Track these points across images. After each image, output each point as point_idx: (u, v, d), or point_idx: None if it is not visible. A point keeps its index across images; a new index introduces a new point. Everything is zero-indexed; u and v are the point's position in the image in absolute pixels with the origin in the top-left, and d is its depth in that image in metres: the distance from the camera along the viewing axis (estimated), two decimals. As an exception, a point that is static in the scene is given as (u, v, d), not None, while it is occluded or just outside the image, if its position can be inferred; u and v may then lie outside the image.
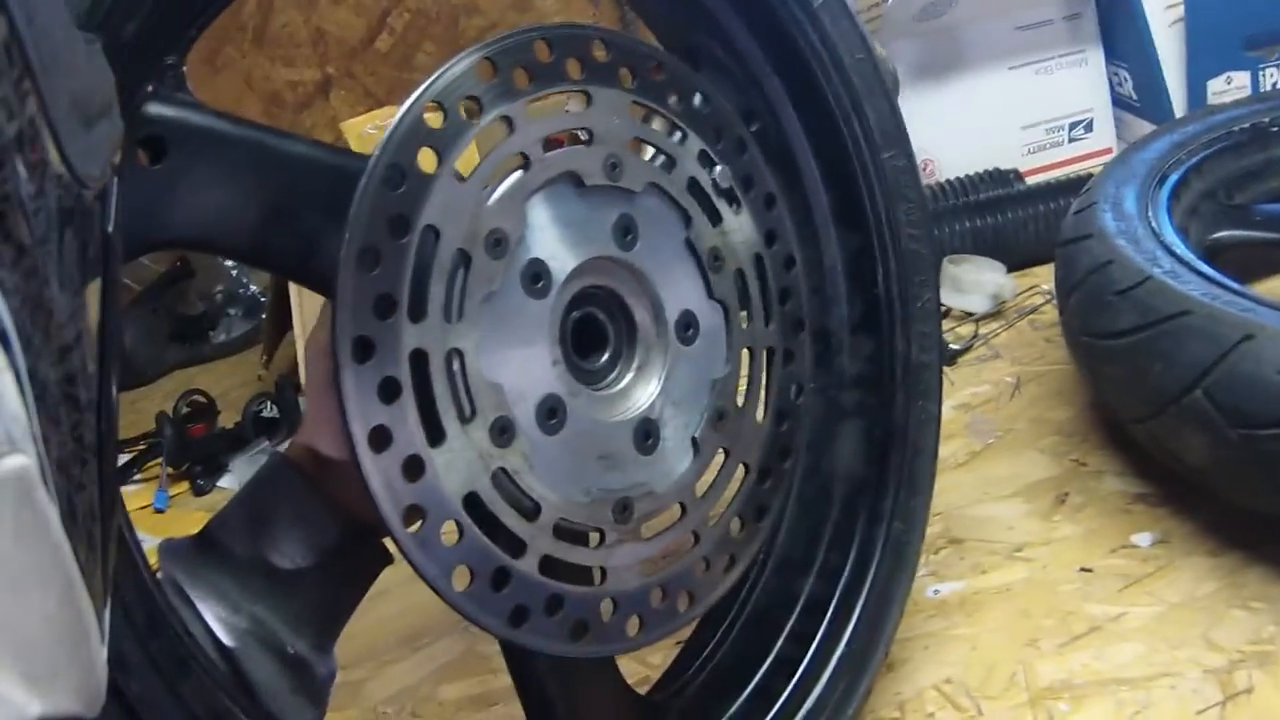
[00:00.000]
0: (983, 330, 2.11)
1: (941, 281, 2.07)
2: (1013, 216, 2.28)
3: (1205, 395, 1.34)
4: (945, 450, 1.70)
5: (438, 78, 0.93)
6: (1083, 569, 1.48)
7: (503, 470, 0.94)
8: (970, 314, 2.15)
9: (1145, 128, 2.51)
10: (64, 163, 0.56)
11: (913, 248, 1.35)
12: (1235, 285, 1.44)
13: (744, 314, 1.13)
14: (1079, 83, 2.64)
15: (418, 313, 0.90)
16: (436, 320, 0.91)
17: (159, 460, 2.22)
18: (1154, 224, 1.63)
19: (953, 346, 2.03)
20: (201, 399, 2.33)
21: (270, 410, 2.22)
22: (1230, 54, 2.51)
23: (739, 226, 1.13)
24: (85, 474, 0.58)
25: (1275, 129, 1.95)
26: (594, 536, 1.01)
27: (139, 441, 2.32)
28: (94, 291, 0.61)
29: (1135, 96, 2.62)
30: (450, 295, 0.92)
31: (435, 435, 0.90)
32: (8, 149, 0.49)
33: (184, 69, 0.93)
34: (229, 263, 2.86)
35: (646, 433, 1.05)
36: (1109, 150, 2.65)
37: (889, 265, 1.35)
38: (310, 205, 0.92)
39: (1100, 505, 1.59)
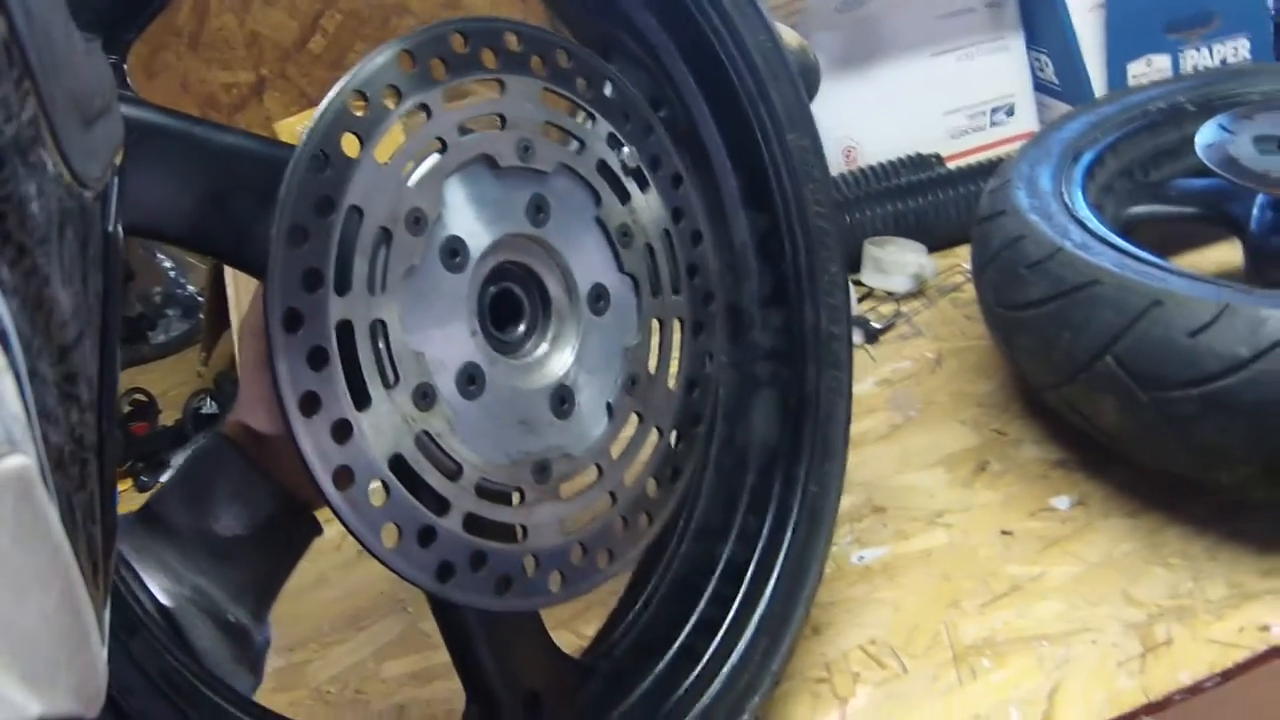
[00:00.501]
0: (904, 309, 2.13)
1: (864, 263, 2.13)
2: (934, 199, 2.31)
3: (1116, 360, 1.38)
4: (868, 424, 1.74)
5: (360, 69, 0.96)
6: (1003, 532, 1.52)
7: (425, 433, 0.97)
8: (892, 294, 2.18)
9: (1066, 111, 2.55)
10: (64, 163, 0.56)
11: (819, 224, 1.39)
12: (1146, 255, 1.47)
13: (652, 287, 1.17)
14: (1001, 68, 2.66)
15: (343, 286, 0.93)
16: (360, 293, 0.94)
17: None
18: (1067, 200, 1.67)
19: (875, 325, 2.06)
20: (143, 397, 2.31)
21: (210, 406, 2.21)
22: (1151, 37, 2.54)
23: (647, 205, 1.16)
24: (85, 474, 0.58)
25: (1192, 109, 1.98)
26: (515, 496, 1.04)
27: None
28: (94, 291, 0.62)
29: (1056, 81, 2.65)
30: (373, 270, 0.95)
31: (361, 400, 0.93)
32: (8, 149, 0.50)
33: (125, 67, 0.98)
34: (167, 264, 2.84)
35: (562, 398, 1.08)
36: (1031, 134, 2.67)
37: (796, 242, 1.39)
38: (243, 192, 0.95)
39: (1019, 472, 1.63)
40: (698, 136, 1.35)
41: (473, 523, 0.99)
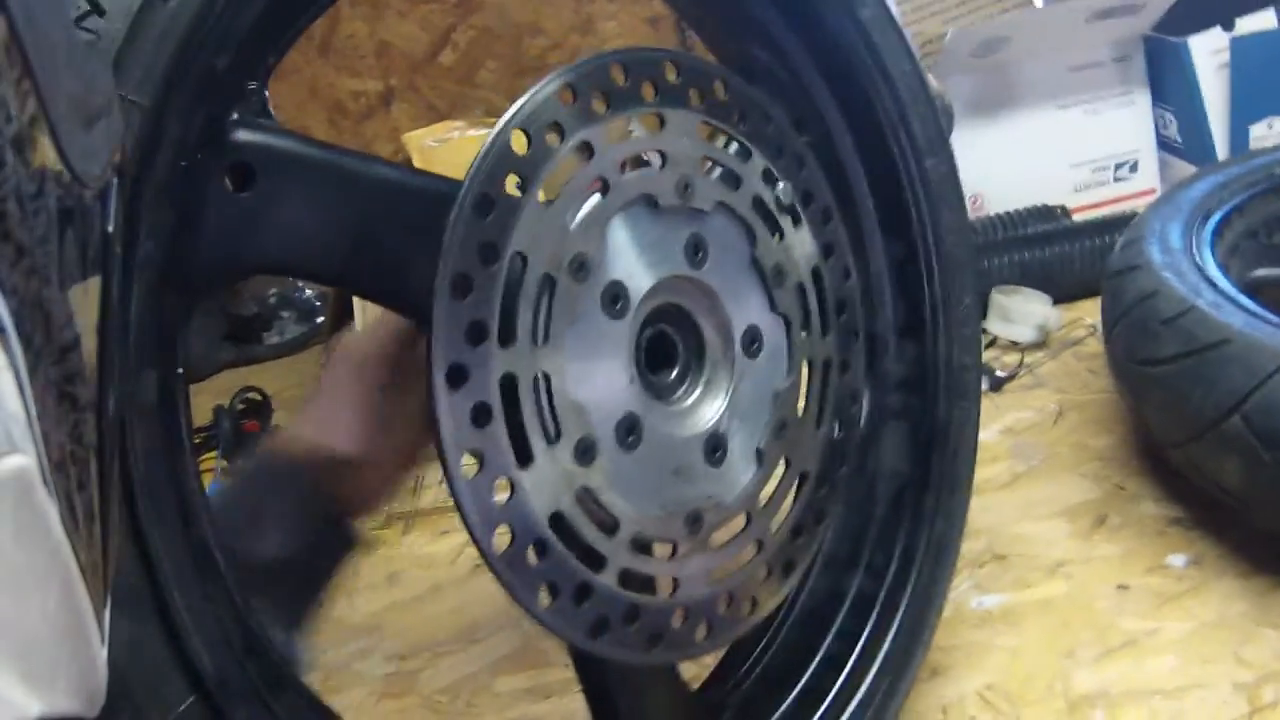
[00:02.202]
0: (1028, 359, 2.15)
1: (990, 311, 2.13)
2: (1059, 251, 2.32)
3: (1243, 420, 1.38)
4: (990, 472, 1.75)
5: (522, 104, 0.94)
6: (1120, 586, 1.52)
7: (585, 489, 0.95)
8: (1017, 343, 2.19)
9: (1188, 170, 2.53)
10: (64, 163, 0.56)
11: (955, 253, 1.37)
12: (1274, 317, 1.48)
13: (803, 326, 1.15)
14: (1126, 123, 2.67)
15: (507, 338, 0.91)
16: (525, 345, 0.92)
17: (214, 453, 2.24)
18: (1198, 258, 1.68)
19: (999, 374, 2.07)
20: (256, 396, 2.34)
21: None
22: (1274, 99, 2.55)
23: (799, 241, 1.15)
24: (85, 474, 0.58)
25: (1316, 174, 1.98)
26: (668, 548, 1.02)
27: (194, 434, 2.34)
28: (94, 291, 0.63)
29: (1179, 139, 2.65)
30: (537, 319, 0.93)
31: (524, 457, 0.91)
32: (8, 149, 0.50)
33: (267, 94, 0.96)
34: None
35: (715, 445, 1.06)
36: (1153, 190, 2.67)
37: (933, 270, 1.37)
38: (396, 230, 0.95)
39: (1137, 527, 1.64)
40: (838, 160, 1.33)
41: (627, 578, 0.99)
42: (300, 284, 2.86)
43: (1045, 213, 2.49)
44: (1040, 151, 2.63)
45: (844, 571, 1.35)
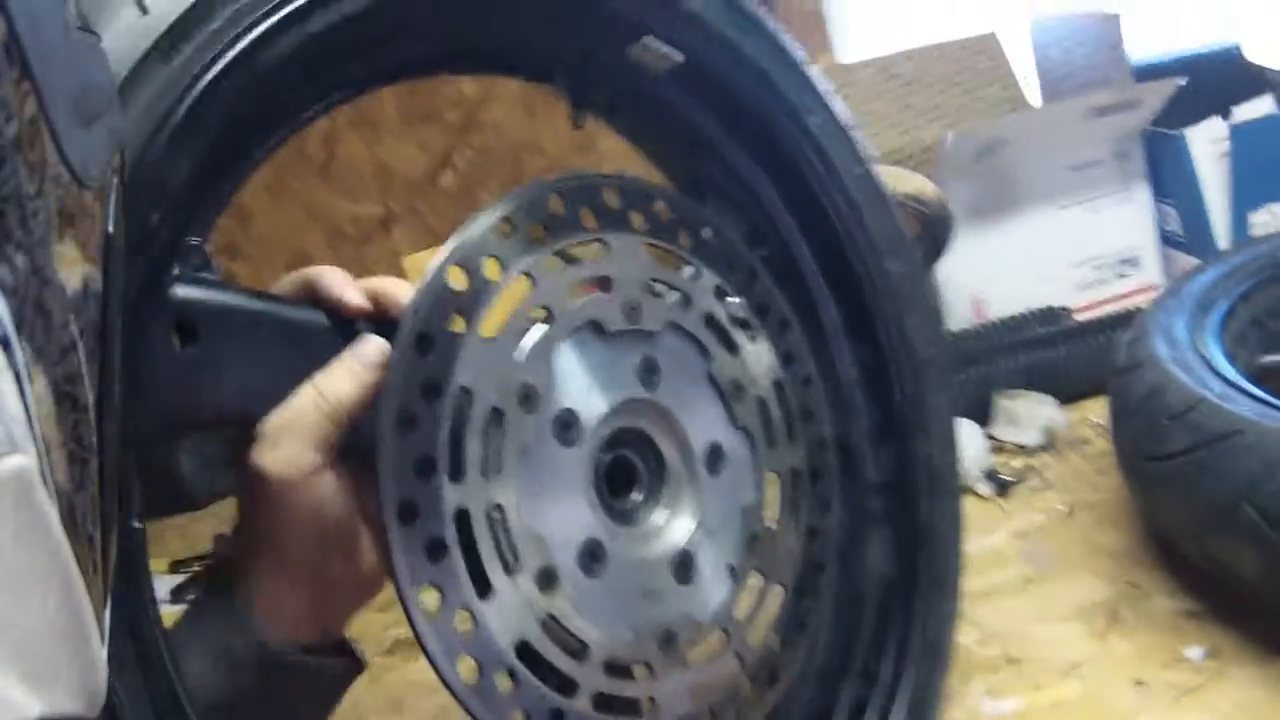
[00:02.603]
0: (1035, 462, 2.13)
1: (995, 415, 2.12)
2: (1064, 352, 2.31)
3: (1255, 509, 1.37)
4: (1001, 576, 1.74)
5: (458, 241, 0.97)
6: (1137, 683, 1.50)
7: (550, 616, 0.95)
8: (1023, 446, 2.17)
9: (1191, 262, 2.52)
10: (64, 163, 0.57)
11: (924, 352, 1.37)
12: (1284, 405, 1.47)
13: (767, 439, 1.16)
14: (1127, 220, 2.66)
15: (457, 472, 0.92)
16: (475, 477, 0.93)
17: None
18: (1203, 351, 1.67)
19: (1006, 478, 2.06)
20: None
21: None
22: (1273, 186, 2.55)
23: (757, 354, 1.16)
24: (85, 474, 0.59)
25: (1319, 257, 1.98)
26: (642, 670, 1.02)
27: (193, 563, 2.33)
28: (94, 292, 0.63)
29: (1181, 232, 2.64)
30: (487, 451, 0.94)
31: (483, 589, 0.92)
32: (8, 149, 0.50)
33: (207, 248, 0.96)
34: None
35: (684, 565, 1.06)
36: (1156, 286, 2.66)
37: (903, 372, 1.36)
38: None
39: (1152, 622, 1.61)
40: (796, 269, 1.34)
41: (602, 701, 0.99)
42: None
43: (1048, 315, 2.48)
44: (1042, 252, 2.62)
45: (837, 681, 1.32)
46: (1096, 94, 2.56)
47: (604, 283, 1.05)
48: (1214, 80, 2.67)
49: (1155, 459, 1.56)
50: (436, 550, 0.90)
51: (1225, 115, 2.59)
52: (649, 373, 1.07)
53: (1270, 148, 2.52)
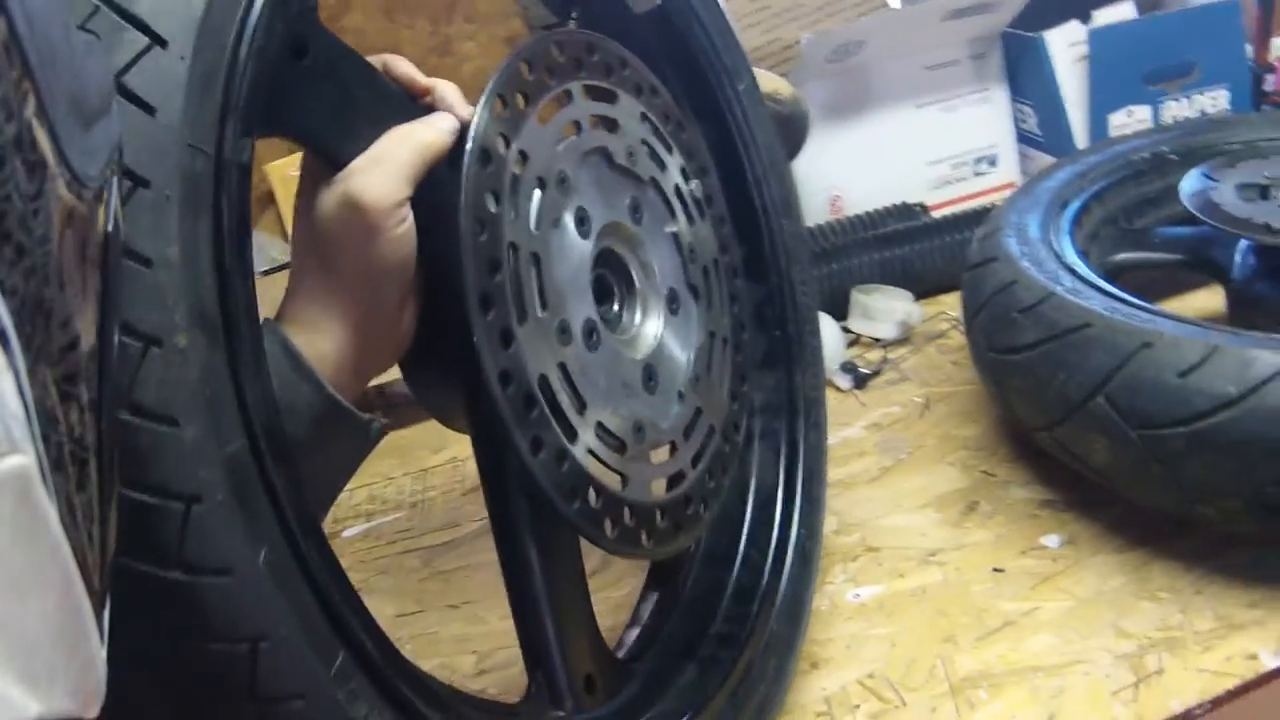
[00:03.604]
0: (891, 355, 2.17)
1: (851, 310, 2.17)
2: (920, 247, 2.34)
3: (1107, 400, 1.41)
4: (858, 466, 1.78)
5: (526, 46, 1.13)
6: (995, 570, 1.54)
7: (562, 365, 1.07)
8: (879, 340, 2.21)
9: (1048, 161, 2.55)
10: (64, 163, 0.56)
11: (804, 301, 1.58)
12: (1134, 299, 1.51)
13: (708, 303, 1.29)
14: (984, 119, 2.69)
15: (511, 213, 1.04)
16: (525, 224, 1.06)
17: None
18: (1056, 247, 1.70)
19: (863, 371, 2.09)
20: None
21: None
22: (1132, 89, 2.58)
23: (704, 234, 1.32)
24: (85, 474, 0.58)
25: (1174, 158, 2.03)
26: (619, 446, 1.12)
27: None
28: (94, 291, 0.62)
29: (1039, 132, 2.68)
30: (533, 208, 1.08)
31: (521, 315, 1.03)
32: (8, 149, 0.50)
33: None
34: None
35: (650, 374, 1.19)
36: (1013, 184, 2.69)
37: (785, 313, 1.55)
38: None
39: (1009, 512, 1.66)
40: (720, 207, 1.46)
41: (592, 457, 1.09)
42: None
43: (904, 211, 2.51)
44: (898, 151, 2.65)
45: (723, 566, 1.43)
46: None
47: (612, 124, 1.21)
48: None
49: (1006, 351, 1.59)
50: (495, 266, 1.01)
51: (1086, 19, 2.63)
52: (635, 210, 1.22)
53: (1129, 51, 2.56)
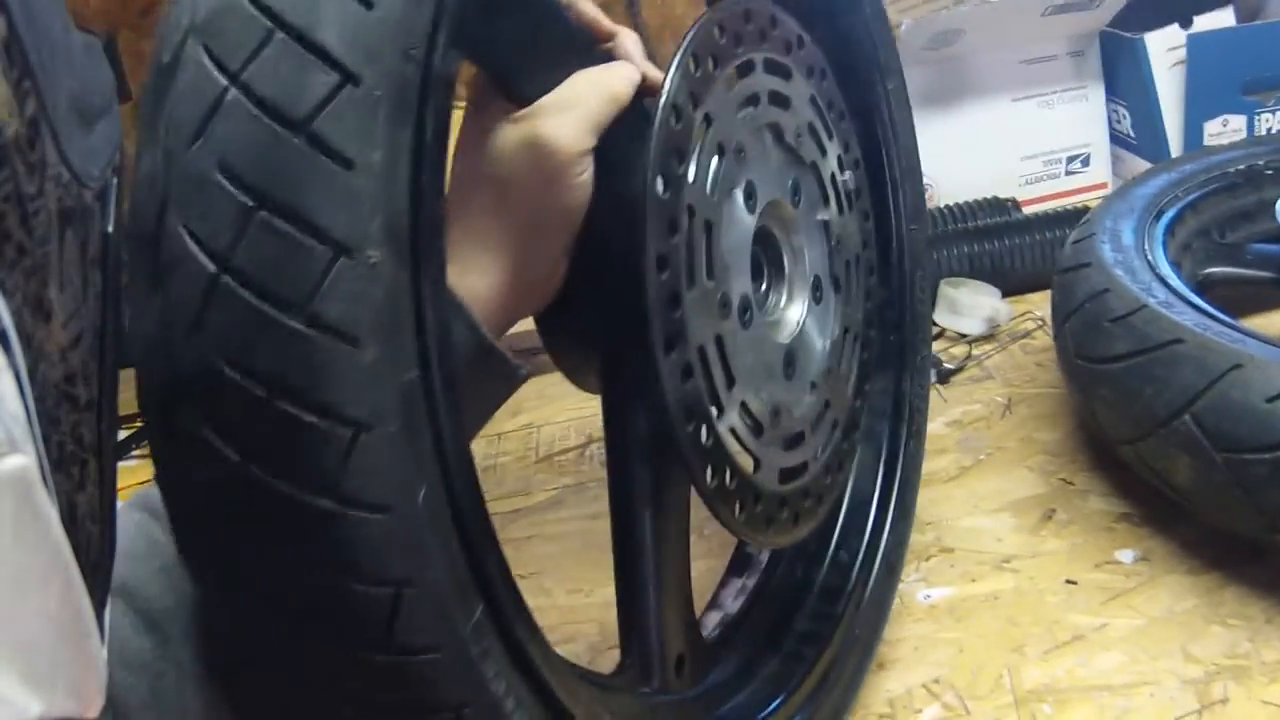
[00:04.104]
0: (976, 352, 2.15)
1: (939, 303, 2.14)
2: (1010, 243, 2.32)
3: (1194, 419, 1.39)
4: (937, 464, 1.77)
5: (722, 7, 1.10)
6: (1068, 581, 1.53)
7: (719, 337, 1.04)
8: (965, 335, 2.20)
9: (1140, 165, 2.56)
10: (64, 163, 0.57)
11: (921, 309, 1.59)
12: (1226, 317, 1.50)
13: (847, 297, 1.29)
14: (1079, 117, 2.68)
15: (693, 175, 1.02)
16: (702, 189, 1.03)
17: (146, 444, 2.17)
18: (1150, 257, 1.69)
19: (947, 366, 2.08)
20: None
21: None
22: (1228, 97, 2.56)
23: (851, 227, 1.31)
24: (85, 474, 0.59)
25: (1270, 172, 2.01)
26: (757, 428, 1.11)
27: (136, 419, 2.30)
28: (94, 291, 0.63)
29: (1133, 134, 2.66)
30: (711, 172, 1.05)
31: (690, 281, 1.00)
32: (8, 149, 0.50)
33: None
34: None
35: (790, 360, 1.17)
36: (1104, 185, 2.69)
37: (904, 317, 1.55)
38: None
39: (1085, 523, 1.65)
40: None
41: (733, 436, 1.07)
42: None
43: (996, 205, 2.50)
44: (992, 144, 2.64)
45: (813, 564, 1.44)
46: (1056, -9, 2.56)
47: (785, 102, 1.18)
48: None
49: (1095, 361, 1.58)
50: (674, 229, 0.99)
51: (1185, 24, 2.60)
52: (795, 192, 1.20)
53: (1227, 59, 2.54)
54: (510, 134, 0.99)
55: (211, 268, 0.69)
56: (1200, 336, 1.44)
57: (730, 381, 1.06)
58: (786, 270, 1.21)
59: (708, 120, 1.04)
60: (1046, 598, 1.51)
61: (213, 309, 0.69)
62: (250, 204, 0.69)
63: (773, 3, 1.18)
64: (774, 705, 1.25)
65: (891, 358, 1.53)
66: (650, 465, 1.11)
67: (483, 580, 0.83)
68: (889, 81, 1.51)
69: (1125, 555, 1.57)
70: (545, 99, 1.00)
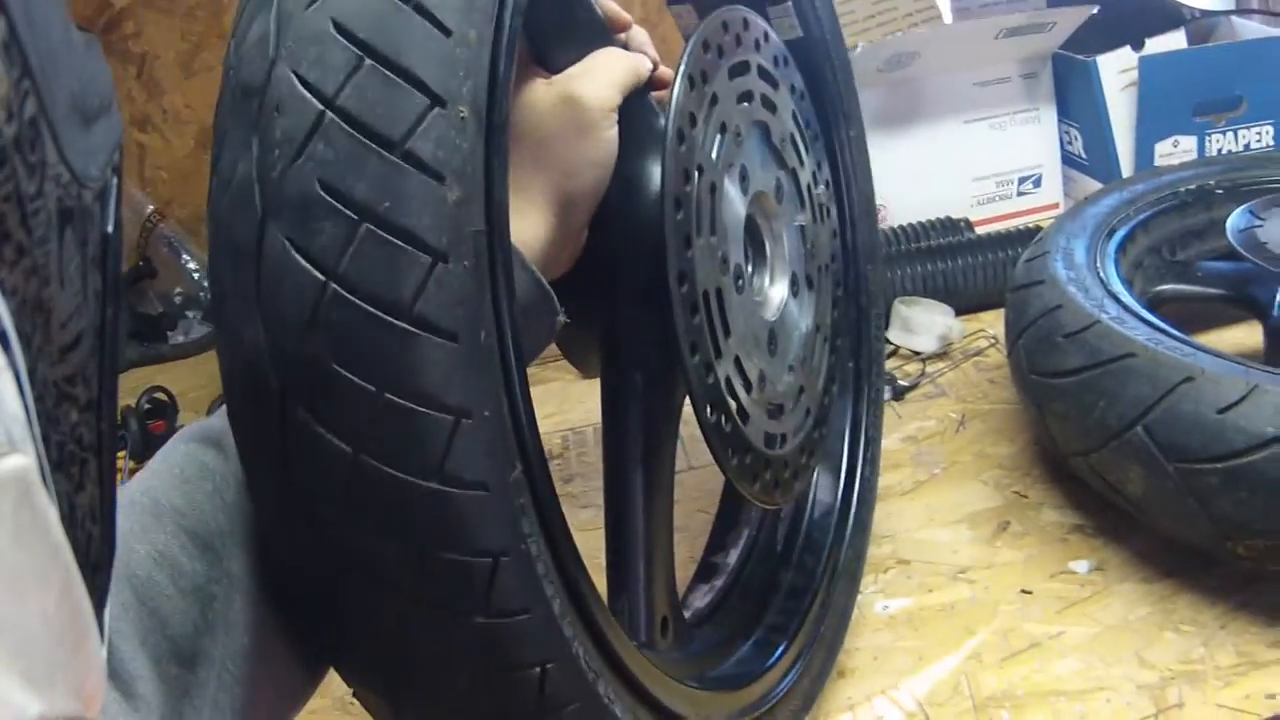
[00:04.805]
0: (930, 369, 2.18)
1: (892, 321, 2.18)
2: (962, 263, 2.35)
3: (1146, 431, 1.42)
4: (893, 479, 1.79)
5: (701, 30, 1.16)
6: (1023, 591, 1.56)
7: (719, 290, 1.11)
8: (918, 353, 2.22)
9: (1092, 185, 2.58)
10: (64, 163, 0.56)
11: (877, 346, 1.70)
12: (1177, 332, 1.52)
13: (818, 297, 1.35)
14: (1031, 139, 2.71)
15: (702, 139, 1.11)
16: (708, 154, 1.11)
17: (122, 454, 2.23)
18: (1102, 274, 1.72)
19: (901, 383, 2.11)
20: (163, 396, 2.30)
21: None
22: (1179, 119, 2.58)
23: (823, 237, 1.39)
24: (85, 474, 0.59)
25: (1220, 191, 2.04)
26: (747, 385, 1.17)
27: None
28: (94, 291, 0.62)
29: (1084, 155, 2.69)
30: (716, 143, 1.14)
31: (698, 228, 1.08)
32: (8, 149, 0.50)
33: None
34: (191, 265, 2.84)
35: (773, 337, 1.24)
36: (1056, 205, 2.72)
37: (861, 349, 1.66)
38: None
39: (1039, 534, 1.67)
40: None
41: (730, 385, 1.13)
42: (206, 284, 2.84)
43: (949, 225, 2.53)
44: (945, 165, 2.67)
45: (780, 565, 1.50)
46: (1009, 15, 2.59)
47: (773, 107, 1.27)
48: (1130, 11, 2.72)
49: (1049, 375, 1.61)
50: (687, 178, 1.07)
51: (1137, 46, 2.63)
52: (779, 189, 1.28)
53: (1178, 81, 2.57)
54: (546, 93, 1.09)
55: (320, 277, 0.77)
56: (1152, 351, 1.46)
57: (727, 332, 1.12)
58: (769, 258, 1.28)
59: (714, 99, 1.13)
60: (1002, 607, 1.54)
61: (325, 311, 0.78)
62: (355, 218, 0.78)
63: (765, 22, 1.28)
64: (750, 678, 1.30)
65: (847, 385, 1.63)
66: (644, 426, 1.18)
67: (556, 551, 0.91)
68: (850, 129, 1.63)
69: (1080, 565, 1.59)
70: (574, 67, 1.10)
